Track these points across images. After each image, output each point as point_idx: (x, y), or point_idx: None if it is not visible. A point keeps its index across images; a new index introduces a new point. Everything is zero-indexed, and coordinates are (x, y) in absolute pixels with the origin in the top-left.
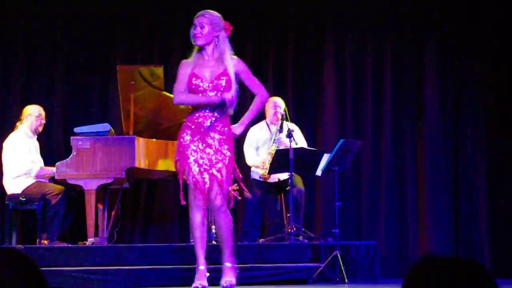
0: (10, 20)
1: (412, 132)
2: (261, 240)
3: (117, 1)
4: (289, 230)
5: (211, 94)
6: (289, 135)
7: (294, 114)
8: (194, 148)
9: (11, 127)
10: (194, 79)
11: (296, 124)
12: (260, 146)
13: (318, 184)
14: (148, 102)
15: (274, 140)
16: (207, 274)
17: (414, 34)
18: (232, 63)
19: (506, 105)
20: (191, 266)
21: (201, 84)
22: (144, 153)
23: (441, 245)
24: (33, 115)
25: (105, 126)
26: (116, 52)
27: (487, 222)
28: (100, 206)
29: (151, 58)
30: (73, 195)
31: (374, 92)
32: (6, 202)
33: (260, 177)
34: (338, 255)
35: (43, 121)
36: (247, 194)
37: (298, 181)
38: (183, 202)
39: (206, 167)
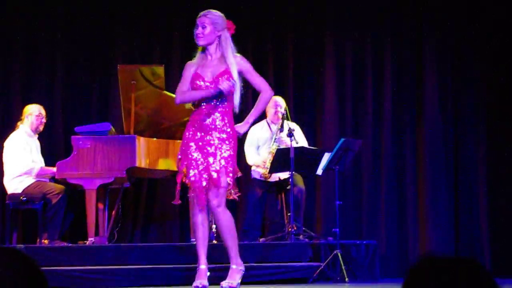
0: (10, 20)
1: (412, 131)
2: (261, 240)
3: (117, 1)
4: (290, 230)
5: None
6: (290, 134)
7: (295, 113)
8: (195, 147)
9: (11, 127)
10: (196, 79)
11: (297, 123)
12: (260, 146)
13: (319, 183)
14: (149, 101)
15: (275, 139)
16: (208, 273)
17: (414, 34)
18: (235, 61)
19: (506, 105)
20: (191, 266)
21: (202, 84)
22: (145, 153)
23: (441, 244)
24: (33, 114)
25: (105, 126)
26: (117, 51)
27: (487, 222)
28: (101, 206)
29: (151, 58)
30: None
31: (374, 91)
32: (7, 202)
33: (260, 177)
34: (339, 255)
35: (44, 120)
36: (234, 196)
37: (299, 180)
38: (177, 201)
39: (203, 166)
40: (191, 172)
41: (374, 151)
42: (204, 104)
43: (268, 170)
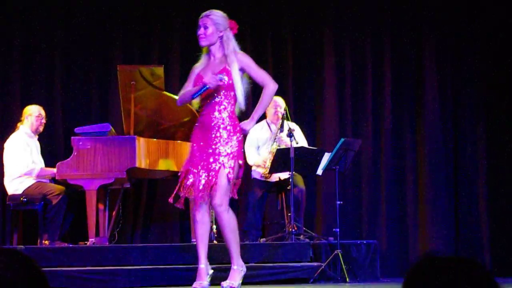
0: (9, 20)
1: (412, 131)
2: (262, 240)
3: (116, 1)
4: (290, 230)
5: (211, 94)
6: (290, 134)
7: (295, 113)
8: (197, 146)
9: (11, 128)
10: (198, 80)
11: (297, 123)
12: (260, 146)
13: (319, 183)
14: (148, 102)
15: (275, 139)
16: (212, 271)
17: (414, 34)
18: (236, 58)
19: (506, 105)
20: (192, 266)
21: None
22: (145, 153)
23: (441, 244)
24: (33, 115)
25: (105, 126)
26: (116, 52)
27: (487, 222)
28: (101, 206)
29: (150, 58)
30: (74, 195)
31: (374, 91)
32: (7, 203)
33: (261, 177)
34: (339, 254)
35: (44, 121)
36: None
37: (299, 180)
38: (170, 200)
39: (203, 165)
40: (191, 171)
41: (374, 151)
42: (205, 103)
43: (268, 170)
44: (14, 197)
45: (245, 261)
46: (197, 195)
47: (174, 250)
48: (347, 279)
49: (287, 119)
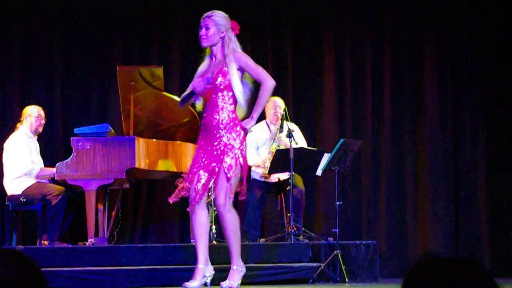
0: (8, 20)
1: (412, 132)
2: (261, 240)
3: (116, 2)
4: (290, 230)
5: (210, 94)
6: (289, 135)
7: (294, 114)
8: (200, 148)
9: (11, 128)
10: None
11: (296, 123)
12: (260, 146)
13: (318, 184)
14: (148, 102)
15: (275, 139)
16: (211, 273)
17: (414, 34)
18: (234, 57)
19: (506, 105)
20: (191, 266)
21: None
22: (144, 154)
23: (440, 244)
24: (32, 115)
25: (105, 127)
26: (116, 52)
27: (486, 222)
28: (100, 207)
29: (150, 59)
30: (73, 196)
31: (373, 92)
32: (7, 203)
33: (260, 177)
34: (339, 255)
35: (43, 121)
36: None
37: (299, 181)
38: (170, 200)
39: (204, 164)
40: (192, 171)
41: (373, 151)
42: (206, 105)
43: (267, 170)
44: (14, 197)
45: (245, 261)
46: (195, 196)
47: (174, 250)
48: (347, 280)
49: (287, 120)
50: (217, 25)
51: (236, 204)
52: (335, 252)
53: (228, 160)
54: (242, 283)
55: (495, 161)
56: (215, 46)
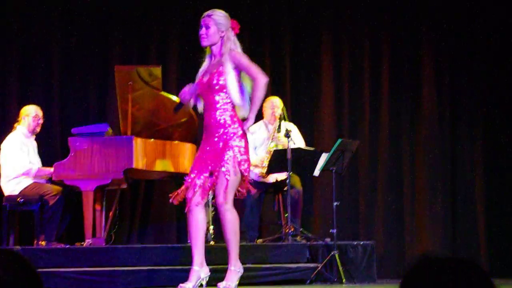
0: (6, 20)
1: (410, 131)
2: (259, 241)
3: (114, 1)
4: (287, 231)
5: (208, 95)
6: (287, 135)
7: (292, 114)
8: (202, 149)
9: (9, 128)
10: (198, 81)
11: (294, 123)
12: (258, 146)
13: (316, 184)
14: (146, 102)
15: (273, 138)
16: (206, 274)
17: (413, 34)
18: (229, 57)
19: (505, 105)
20: (188, 267)
21: (201, 88)
22: (142, 154)
23: (438, 245)
24: (30, 115)
25: (102, 127)
26: (113, 52)
27: (484, 223)
28: (98, 207)
29: (148, 59)
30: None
31: (371, 92)
32: (4, 203)
33: (258, 177)
34: (336, 255)
35: (41, 121)
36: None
37: (296, 181)
38: (174, 201)
39: (204, 164)
40: (192, 172)
41: (371, 152)
42: (205, 106)
43: (265, 170)
44: (11, 197)
45: (242, 262)
46: (192, 196)
47: (171, 251)
48: (344, 280)
49: (284, 120)
50: (218, 24)
51: (234, 205)
52: (332, 253)
53: (227, 159)
54: (240, 284)
55: (493, 161)
56: (215, 45)
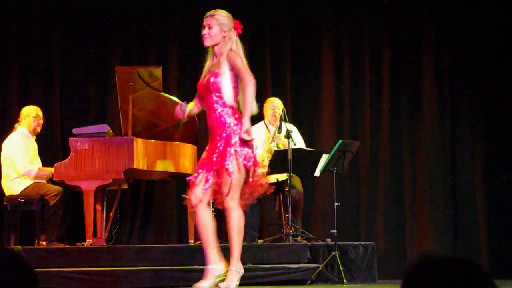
0: (6, 21)
1: (410, 132)
2: (259, 241)
3: (114, 2)
4: (288, 231)
5: (207, 96)
6: (288, 135)
7: (293, 114)
8: (206, 150)
9: (9, 129)
10: (200, 82)
11: (295, 124)
12: (258, 147)
13: (317, 185)
14: (146, 103)
15: (273, 138)
16: (223, 271)
17: (413, 35)
18: (227, 58)
19: (504, 106)
20: (189, 267)
21: (200, 89)
22: (143, 154)
23: (439, 245)
24: (30, 116)
25: (103, 127)
26: (114, 53)
27: (485, 223)
28: (99, 207)
29: (149, 59)
30: (71, 196)
31: (372, 93)
32: (5, 203)
33: None
34: (337, 256)
35: (41, 121)
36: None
37: (297, 182)
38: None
39: (209, 166)
40: (198, 172)
41: (371, 152)
42: (206, 107)
43: (266, 169)
44: (12, 197)
45: (243, 262)
46: (197, 196)
47: (171, 251)
48: (345, 281)
49: (285, 121)
50: (221, 24)
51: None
52: (333, 253)
53: (230, 157)
54: (240, 284)
55: (493, 162)
56: (218, 45)
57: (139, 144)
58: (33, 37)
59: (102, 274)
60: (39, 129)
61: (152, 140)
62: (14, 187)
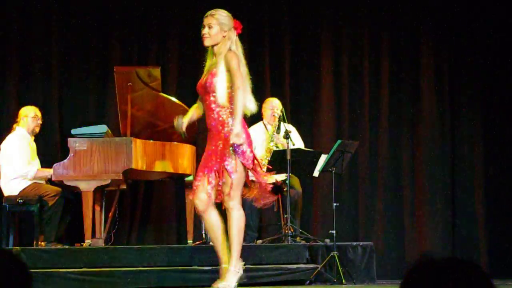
0: (5, 21)
1: (409, 132)
2: (258, 241)
3: (113, 2)
4: (287, 231)
5: (205, 96)
6: (287, 136)
7: (292, 115)
8: (206, 150)
9: (8, 129)
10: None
11: (293, 125)
12: (257, 147)
13: (316, 185)
14: (145, 103)
15: (272, 137)
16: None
17: (412, 34)
18: (224, 59)
19: (504, 105)
20: (188, 267)
21: (199, 89)
22: (141, 155)
23: (438, 246)
24: (29, 116)
25: (102, 128)
26: (113, 53)
27: (484, 223)
28: (97, 208)
29: (147, 59)
30: (70, 197)
31: (371, 93)
32: (3, 204)
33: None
34: (336, 256)
35: (40, 122)
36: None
37: (296, 182)
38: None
39: (210, 167)
40: (198, 175)
41: (370, 152)
42: (204, 108)
43: (265, 167)
44: (10, 198)
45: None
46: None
47: (170, 251)
48: (344, 281)
49: (284, 121)
50: (221, 24)
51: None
52: (332, 254)
53: (229, 157)
54: (239, 284)
55: (492, 163)
56: (217, 45)
57: (138, 144)
58: (33, 37)
59: (100, 275)
60: (37, 130)
61: (151, 141)
62: (12, 187)
